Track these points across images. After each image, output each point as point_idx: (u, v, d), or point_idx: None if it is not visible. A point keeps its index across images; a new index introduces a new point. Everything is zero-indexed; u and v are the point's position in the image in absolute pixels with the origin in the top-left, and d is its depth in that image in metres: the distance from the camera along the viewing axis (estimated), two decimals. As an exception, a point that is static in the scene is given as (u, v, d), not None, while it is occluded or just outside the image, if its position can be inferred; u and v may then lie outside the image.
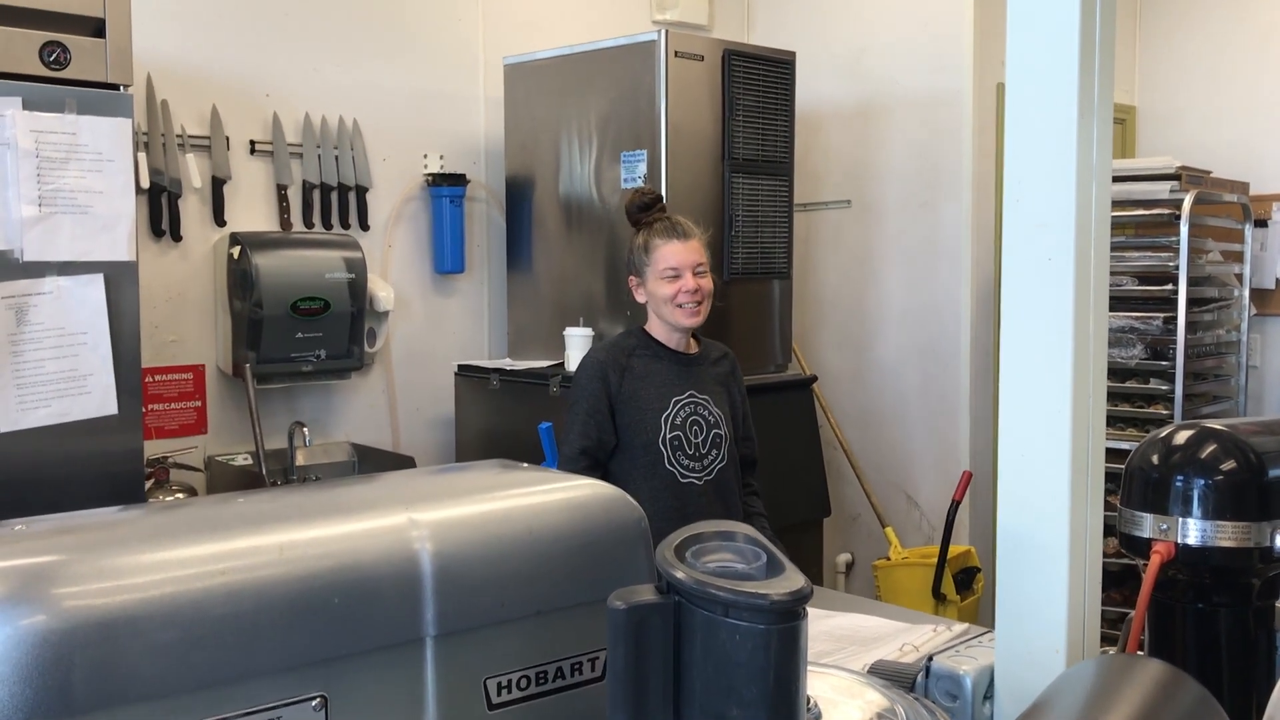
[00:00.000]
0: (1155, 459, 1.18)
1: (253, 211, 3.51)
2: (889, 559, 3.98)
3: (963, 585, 3.84)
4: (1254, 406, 4.36)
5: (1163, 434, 1.20)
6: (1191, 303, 3.93)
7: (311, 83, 3.60)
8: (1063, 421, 1.04)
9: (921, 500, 4.25)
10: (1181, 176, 3.92)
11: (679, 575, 0.81)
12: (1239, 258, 4.25)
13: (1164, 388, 3.94)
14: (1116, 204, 4.08)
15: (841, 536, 4.42)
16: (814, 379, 4.00)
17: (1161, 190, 3.92)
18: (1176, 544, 1.13)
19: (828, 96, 4.39)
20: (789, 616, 0.79)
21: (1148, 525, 1.15)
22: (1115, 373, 4.04)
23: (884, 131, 4.30)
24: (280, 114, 3.53)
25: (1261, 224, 4.33)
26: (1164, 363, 3.94)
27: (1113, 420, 4.09)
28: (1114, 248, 4.07)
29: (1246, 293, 4.25)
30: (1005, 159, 1.08)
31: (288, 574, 0.94)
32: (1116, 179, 4.07)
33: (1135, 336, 3.96)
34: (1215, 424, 1.19)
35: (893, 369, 4.33)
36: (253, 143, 3.50)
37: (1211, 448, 1.15)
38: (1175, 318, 3.87)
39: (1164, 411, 3.94)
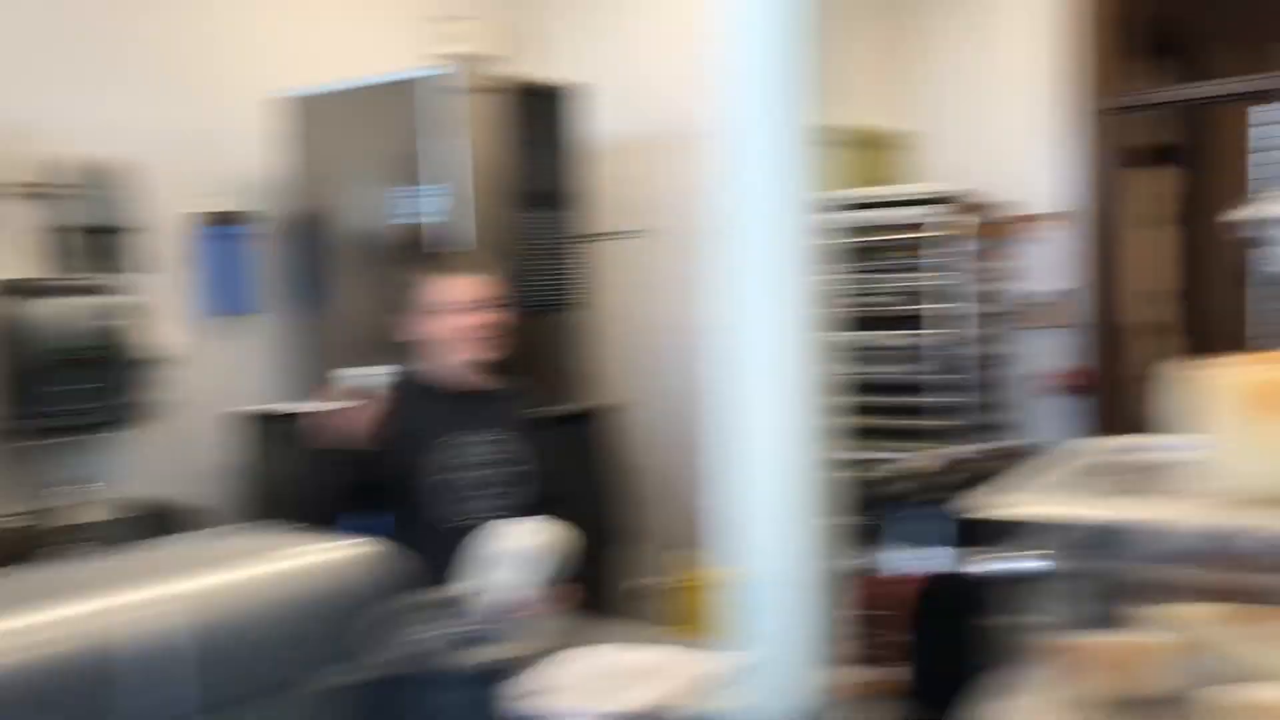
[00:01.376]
0: (903, 493, 1.24)
1: (21, 257, 3.31)
2: (683, 584, 4.00)
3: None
4: (1025, 415, 4.62)
5: (908, 470, 1.27)
6: (958, 319, 4.16)
7: (83, 122, 3.43)
8: (788, 447, 1.08)
9: (725, 520, 4.33)
10: (952, 199, 4.15)
11: (397, 647, 0.80)
12: (1008, 275, 4.52)
13: (944, 401, 4.15)
14: (889, 227, 4.29)
15: (642, 564, 4.46)
16: (613, 408, 4.03)
17: (932, 213, 4.14)
18: (927, 574, 1.19)
19: (622, 128, 4.45)
20: (489, 681, 0.80)
21: (900, 560, 1.21)
22: (885, 388, 4.22)
23: (680, 161, 4.38)
24: (49, 154, 3.34)
25: (1026, 244, 4.61)
26: (942, 377, 4.15)
27: (882, 434, 4.25)
28: (885, 269, 4.28)
29: (1010, 309, 4.52)
30: (721, 189, 1.12)
31: (30, 660, 0.89)
32: (889, 204, 4.29)
33: (908, 354, 4.16)
34: (958, 455, 1.26)
35: (694, 395, 4.40)
36: (21, 185, 3.30)
37: (957, 478, 1.22)
38: (944, 334, 4.09)
39: (947, 424, 4.14)
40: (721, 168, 1.11)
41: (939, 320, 4.15)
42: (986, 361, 4.40)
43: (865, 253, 4.42)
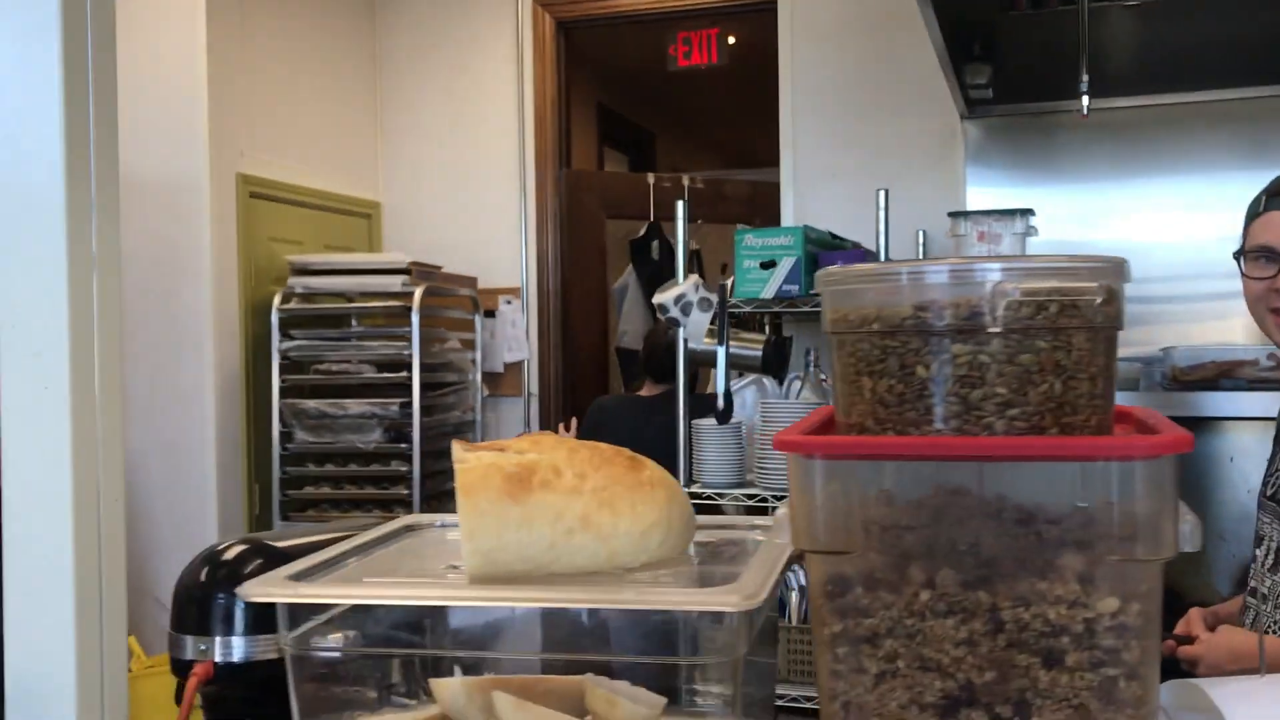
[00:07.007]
0: (202, 578, 1.18)
1: None
2: (131, 670, 3.71)
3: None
4: (492, 479, 4.78)
5: (212, 551, 1.21)
6: (429, 387, 4.23)
7: None
8: (66, 571, 1.00)
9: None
10: (413, 271, 4.22)
11: None
12: (472, 345, 4.67)
13: (404, 469, 4.17)
14: (357, 295, 4.28)
15: None
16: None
17: (394, 283, 4.18)
18: (216, 663, 1.14)
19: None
20: None
21: (189, 647, 1.15)
22: (357, 457, 4.20)
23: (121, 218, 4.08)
24: None
25: (490, 314, 4.80)
26: (403, 445, 4.17)
27: (358, 503, 4.24)
28: (353, 337, 4.27)
29: (479, 377, 4.67)
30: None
31: None
32: (354, 271, 4.28)
33: (375, 422, 4.15)
34: (266, 538, 1.23)
35: (134, 466, 4.08)
36: None
37: (255, 563, 1.18)
38: (411, 403, 4.13)
39: (405, 492, 4.16)
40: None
41: (400, 388, 4.17)
42: (446, 429, 4.49)
43: (331, 320, 4.37)
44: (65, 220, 1.01)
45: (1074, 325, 0.84)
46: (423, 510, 4.14)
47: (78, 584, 1.01)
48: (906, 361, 0.86)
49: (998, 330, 0.83)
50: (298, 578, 0.95)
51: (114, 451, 1.05)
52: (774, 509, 2.89)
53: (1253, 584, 1.97)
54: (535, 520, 0.93)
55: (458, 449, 0.98)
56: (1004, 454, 0.84)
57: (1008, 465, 0.88)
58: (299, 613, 0.95)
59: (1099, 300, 0.84)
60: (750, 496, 2.84)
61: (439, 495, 4.37)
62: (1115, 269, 0.87)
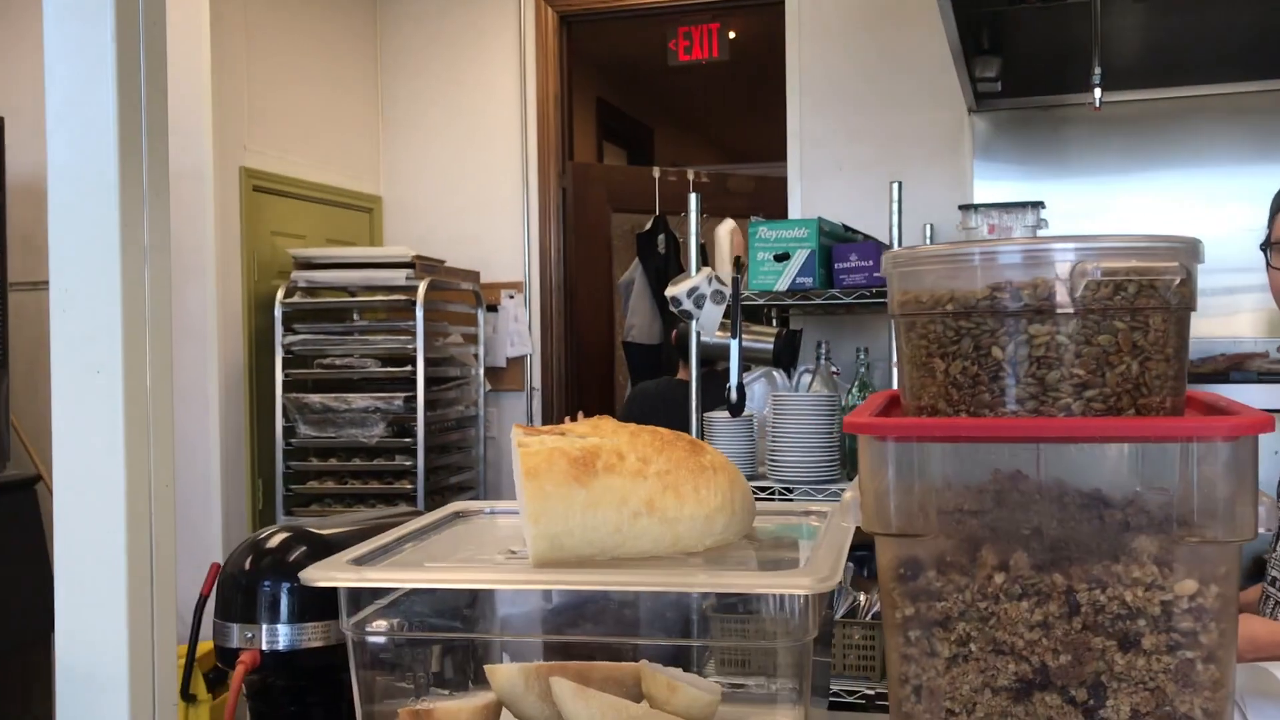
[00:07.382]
0: (247, 565, 1.17)
1: None
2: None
3: (215, 683, 3.67)
4: (493, 474, 4.77)
5: (256, 539, 1.20)
6: (432, 382, 4.21)
7: None
8: (118, 556, 0.98)
9: (173, 598, 4.01)
10: (416, 265, 4.19)
11: None
12: (474, 339, 4.65)
13: (408, 463, 4.15)
14: (361, 289, 4.25)
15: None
16: (37, 479, 3.60)
17: (398, 277, 4.16)
18: (262, 651, 1.12)
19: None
20: None
21: (235, 635, 1.13)
22: (360, 452, 4.18)
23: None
24: None
25: (493, 309, 4.78)
26: (407, 439, 4.15)
27: (362, 498, 4.22)
28: (356, 331, 4.25)
29: (482, 371, 4.66)
30: (50, 269, 1.01)
31: None
32: (358, 265, 4.26)
33: (378, 416, 4.13)
34: (306, 526, 1.21)
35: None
36: None
37: (299, 551, 1.17)
38: (415, 397, 4.11)
39: (408, 486, 4.14)
40: (53, 247, 1.00)
41: (404, 383, 4.15)
42: (449, 423, 4.47)
43: (334, 314, 4.34)
44: (119, 205, 0.99)
45: (1151, 306, 0.84)
46: (427, 506, 4.13)
47: (130, 569, 0.99)
48: (981, 342, 0.85)
49: (1076, 311, 0.83)
50: (359, 562, 0.94)
51: (165, 436, 1.04)
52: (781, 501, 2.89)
53: (1272, 573, 1.98)
54: (601, 504, 0.92)
55: (519, 433, 0.97)
56: (1086, 435, 0.83)
57: (1083, 447, 0.87)
58: (361, 597, 0.94)
59: (1177, 281, 0.83)
60: (762, 489, 2.83)
61: (442, 490, 4.35)
62: (1191, 249, 0.86)
